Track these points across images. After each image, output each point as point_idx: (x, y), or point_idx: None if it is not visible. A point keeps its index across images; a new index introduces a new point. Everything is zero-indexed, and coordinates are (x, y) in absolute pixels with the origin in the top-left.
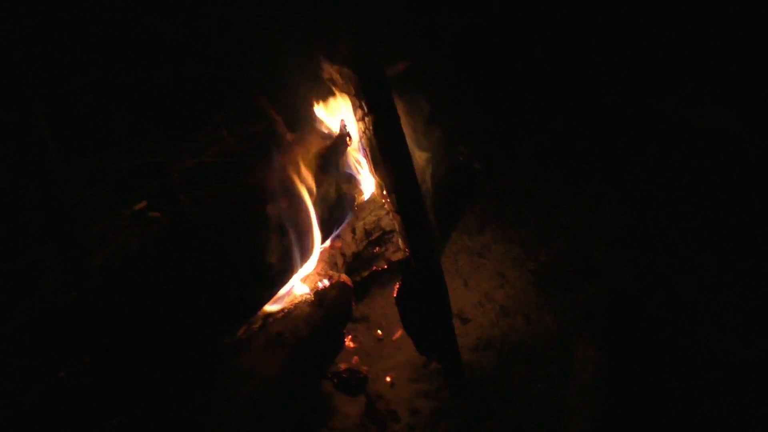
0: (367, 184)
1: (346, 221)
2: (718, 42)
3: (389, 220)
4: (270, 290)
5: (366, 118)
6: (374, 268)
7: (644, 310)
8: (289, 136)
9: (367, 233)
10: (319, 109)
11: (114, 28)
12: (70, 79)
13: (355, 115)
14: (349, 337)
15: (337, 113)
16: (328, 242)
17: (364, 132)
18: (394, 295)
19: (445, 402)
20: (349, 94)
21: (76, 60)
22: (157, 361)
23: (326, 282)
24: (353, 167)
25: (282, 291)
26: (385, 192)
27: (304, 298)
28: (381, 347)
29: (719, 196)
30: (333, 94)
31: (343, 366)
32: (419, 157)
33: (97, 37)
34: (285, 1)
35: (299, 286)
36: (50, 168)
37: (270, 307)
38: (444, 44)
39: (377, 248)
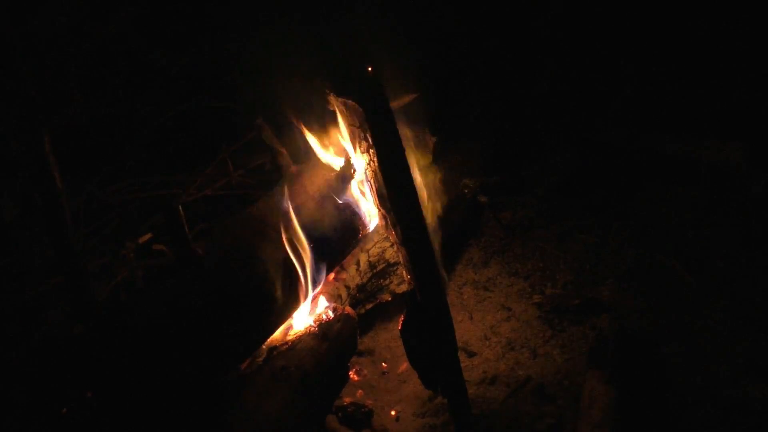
0: (372, 216)
1: (350, 253)
2: (723, 76)
3: (393, 252)
4: (274, 323)
5: (371, 150)
6: (378, 300)
7: (653, 346)
8: (293, 168)
9: (372, 265)
10: (324, 141)
11: (121, 62)
12: (77, 112)
13: (360, 147)
14: (354, 370)
15: (342, 145)
16: (331, 275)
17: (368, 164)
18: (399, 328)
19: None
20: (354, 125)
21: (83, 93)
22: (161, 396)
23: (330, 314)
24: (357, 199)
25: (286, 324)
26: (389, 224)
27: (308, 331)
28: (386, 380)
29: (726, 232)
30: (338, 126)
31: (347, 400)
32: (424, 189)
33: (104, 70)
34: (291, 34)
35: (303, 319)
36: (56, 200)
37: (274, 341)
38: (450, 77)
39: (381, 280)
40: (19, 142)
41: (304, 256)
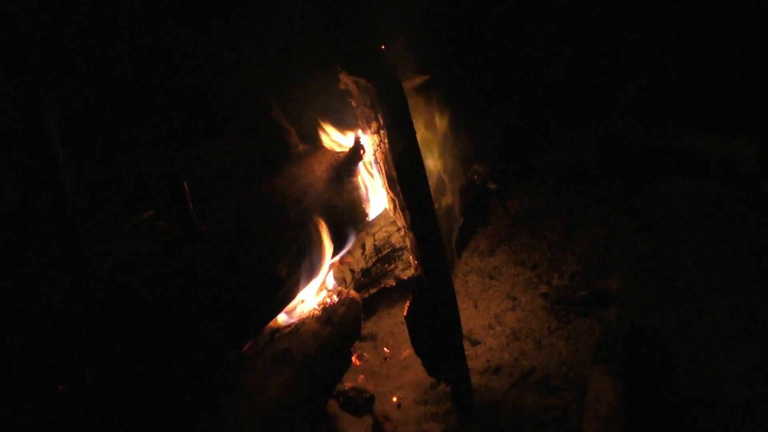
0: (379, 198)
1: (356, 236)
2: (739, 71)
3: (400, 237)
4: (278, 305)
5: (381, 131)
6: (383, 285)
7: (661, 340)
8: (301, 148)
9: (377, 249)
10: (334, 121)
11: (129, 35)
12: (83, 84)
13: (370, 127)
14: (356, 355)
15: (351, 125)
16: (337, 258)
17: (378, 145)
18: (404, 314)
19: (453, 426)
20: (365, 105)
21: (89, 65)
22: (161, 377)
23: (335, 298)
24: (366, 181)
25: (290, 306)
26: (398, 208)
27: (312, 314)
28: (388, 366)
29: (736, 228)
30: (349, 106)
31: (348, 385)
32: (434, 174)
33: (111, 43)
34: (303, 13)
35: (308, 301)
36: (59, 173)
37: (277, 323)
38: (463, 61)
39: (386, 265)
40: (24, 113)
41: (309, 237)
